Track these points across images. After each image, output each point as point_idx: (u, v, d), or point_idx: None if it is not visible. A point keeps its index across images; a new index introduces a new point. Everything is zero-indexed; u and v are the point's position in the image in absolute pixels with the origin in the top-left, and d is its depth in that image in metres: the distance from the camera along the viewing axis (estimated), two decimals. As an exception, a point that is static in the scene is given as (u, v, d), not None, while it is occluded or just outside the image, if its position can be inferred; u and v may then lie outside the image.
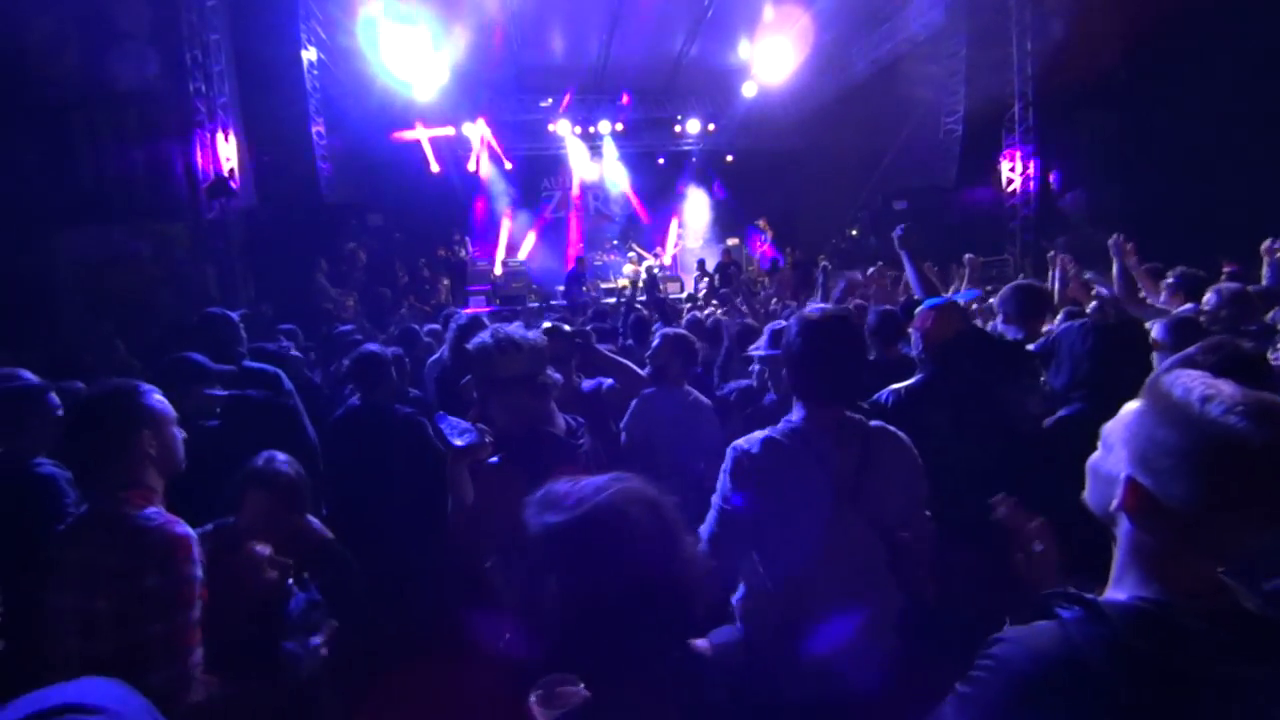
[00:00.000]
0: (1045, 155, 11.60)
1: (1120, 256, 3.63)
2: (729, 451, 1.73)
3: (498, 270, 14.06)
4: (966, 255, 5.00)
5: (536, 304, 11.67)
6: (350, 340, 4.90)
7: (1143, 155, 9.28)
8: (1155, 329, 2.48)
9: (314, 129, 10.14)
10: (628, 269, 14.14)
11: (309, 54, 10.05)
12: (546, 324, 2.77)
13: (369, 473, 2.73)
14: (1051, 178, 11.51)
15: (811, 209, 15.03)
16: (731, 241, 13.97)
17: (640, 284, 12.78)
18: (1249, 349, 1.72)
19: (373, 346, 3.11)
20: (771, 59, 13.47)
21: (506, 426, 1.91)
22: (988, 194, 12.07)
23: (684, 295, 12.17)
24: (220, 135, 9.07)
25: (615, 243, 15.69)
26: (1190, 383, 0.81)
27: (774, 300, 6.93)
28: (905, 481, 1.70)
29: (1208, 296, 3.98)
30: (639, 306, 5.04)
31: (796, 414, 1.73)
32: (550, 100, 15.32)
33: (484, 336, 1.95)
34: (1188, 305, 3.52)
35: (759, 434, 1.72)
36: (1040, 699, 0.79)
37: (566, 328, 2.87)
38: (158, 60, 8.39)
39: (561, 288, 12.82)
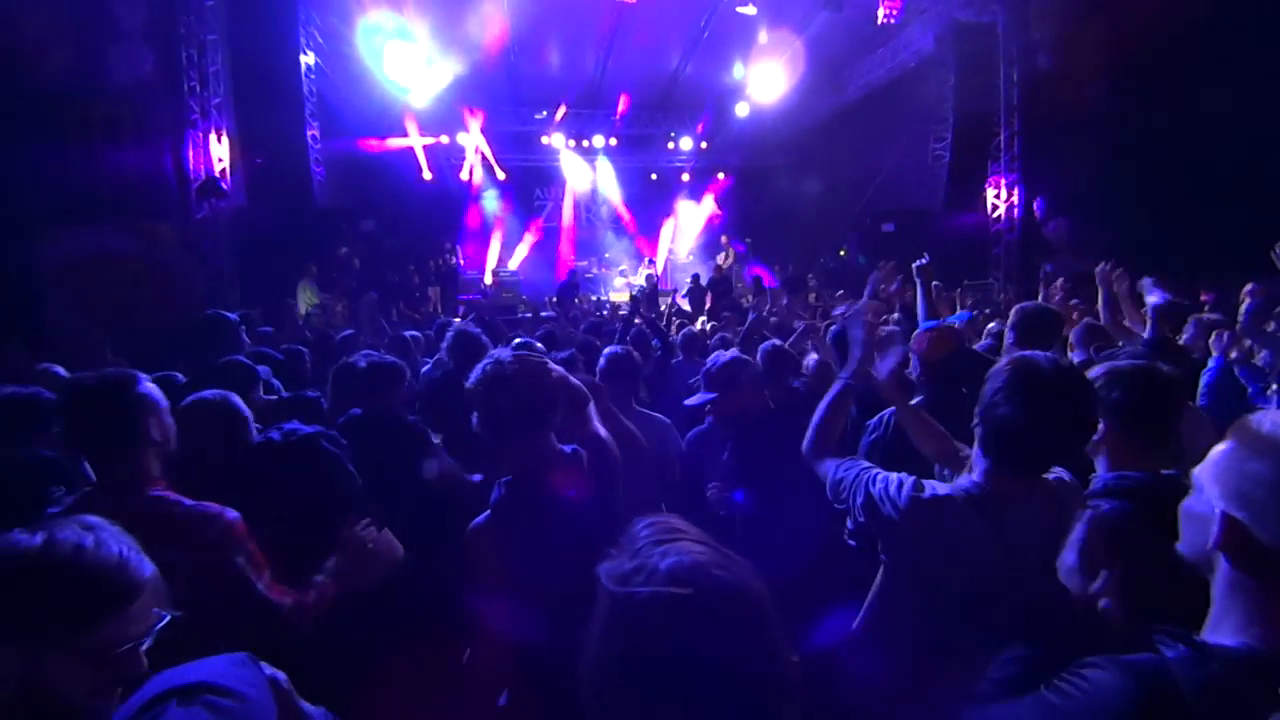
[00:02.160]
0: (1030, 182, 11.88)
1: (1106, 284, 3.72)
2: (892, 497, 1.56)
3: (488, 279, 14.05)
4: (934, 283, 5.04)
5: (529, 314, 11.65)
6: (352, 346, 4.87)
7: (1126, 184, 9.54)
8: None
9: (309, 133, 10.10)
10: (618, 282, 14.18)
11: (307, 58, 10.03)
12: (517, 339, 2.57)
13: (370, 483, 2.68)
14: (1035, 205, 11.78)
15: (801, 228, 15.22)
16: (721, 258, 14.07)
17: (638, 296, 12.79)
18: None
19: (375, 354, 3.06)
20: (765, 80, 13.69)
21: (510, 472, 1.75)
22: (973, 219, 12.31)
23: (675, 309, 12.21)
24: (213, 136, 9.01)
25: (607, 255, 15.75)
26: (1277, 418, 0.84)
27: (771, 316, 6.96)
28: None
29: (1187, 327, 4.11)
30: (638, 321, 5.04)
31: (979, 471, 1.53)
32: (545, 113, 15.42)
33: (494, 358, 1.74)
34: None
35: (939, 488, 1.55)
36: None
37: (539, 347, 2.71)
38: (153, 59, 8.32)
39: (553, 298, 12.82)
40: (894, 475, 1.59)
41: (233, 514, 1.63)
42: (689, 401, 3.09)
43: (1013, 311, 3.09)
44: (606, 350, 3.06)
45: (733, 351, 2.40)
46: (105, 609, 0.91)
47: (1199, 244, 7.75)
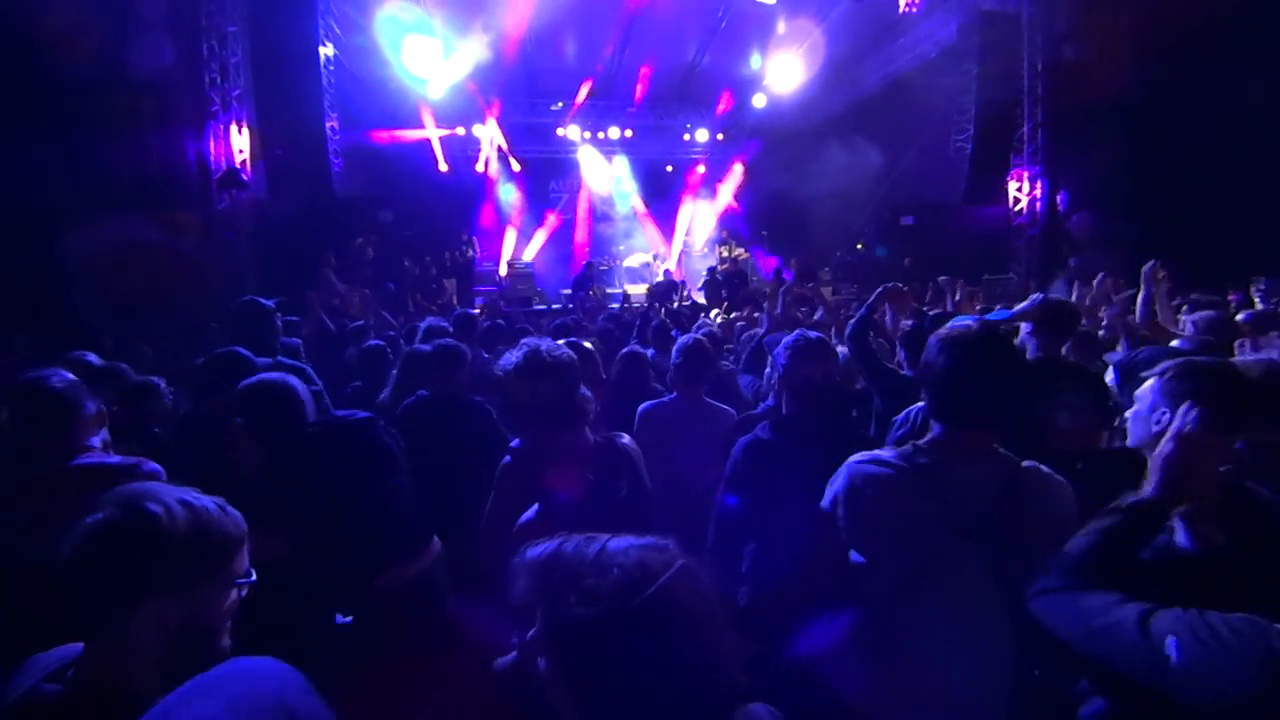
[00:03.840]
0: (1053, 176, 11.68)
1: (1150, 284, 3.61)
2: (842, 472, 1.60)
3: (503, 271, 14.08)
4: (941, 277, 5.01)
5: (545, 306, 11.68)
6: (363, 336, 4.91)
7: (1151, 179, 9.35)
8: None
9: (328, 124, 10.15)
10: (634, 260, 14.18)
11: (326, 50, 10.07)
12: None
13: (440, 461, 2.73)
14: (1059, 198, 11.58)
15: (818, 221, 15.08)
16: (739, 252, 13.99)
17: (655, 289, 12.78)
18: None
19: (448, 341, 3.19)
20: (782, 71, 13.56)
21: (537, 465, 1.72)
22: (995, 212, 12.13)
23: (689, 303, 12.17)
24: (234, 127, 9.08)
25: (621, 248, 15.71)
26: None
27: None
28: (1053, 532, 1.44)
29: (1185, 327, 3.97)
30: (658, 314, 5.04)
31: (929, 436, 1.59)
32: (561, 104, 15.38)
33: (511, 355, 1.73)
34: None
35: (878, 452, 1.59)
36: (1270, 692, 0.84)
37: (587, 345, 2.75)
38: (174, 50, 8.39)
39: (567, 291, 12.83)
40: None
41: (152, 465, 1.86)
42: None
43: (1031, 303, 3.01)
44: (679, 342, 3.09)
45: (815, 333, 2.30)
46: (235, 546, 1.12)
47: (1228, 240, 7.58)
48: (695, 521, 2.29)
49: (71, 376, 2.05)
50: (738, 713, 0.79)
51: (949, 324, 1.67)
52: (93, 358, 3.25)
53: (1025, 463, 1.56)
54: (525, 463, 1.78)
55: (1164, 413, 1.46)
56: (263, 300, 3.41)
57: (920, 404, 2.48)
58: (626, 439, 2.03)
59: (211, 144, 8.96)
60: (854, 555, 1.61)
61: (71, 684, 1.02)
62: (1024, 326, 2.93)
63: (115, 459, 2.09)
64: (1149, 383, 1.56)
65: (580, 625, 0.74)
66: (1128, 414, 1.60)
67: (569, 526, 1.62)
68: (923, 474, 1.51)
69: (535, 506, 1.71)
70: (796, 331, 2.29)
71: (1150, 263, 3.59)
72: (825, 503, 1.63)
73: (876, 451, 1.60)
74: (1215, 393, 1.37)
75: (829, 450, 1.96)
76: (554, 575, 0.79)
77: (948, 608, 1.44)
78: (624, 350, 3.64)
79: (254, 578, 1.15)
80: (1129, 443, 1.58)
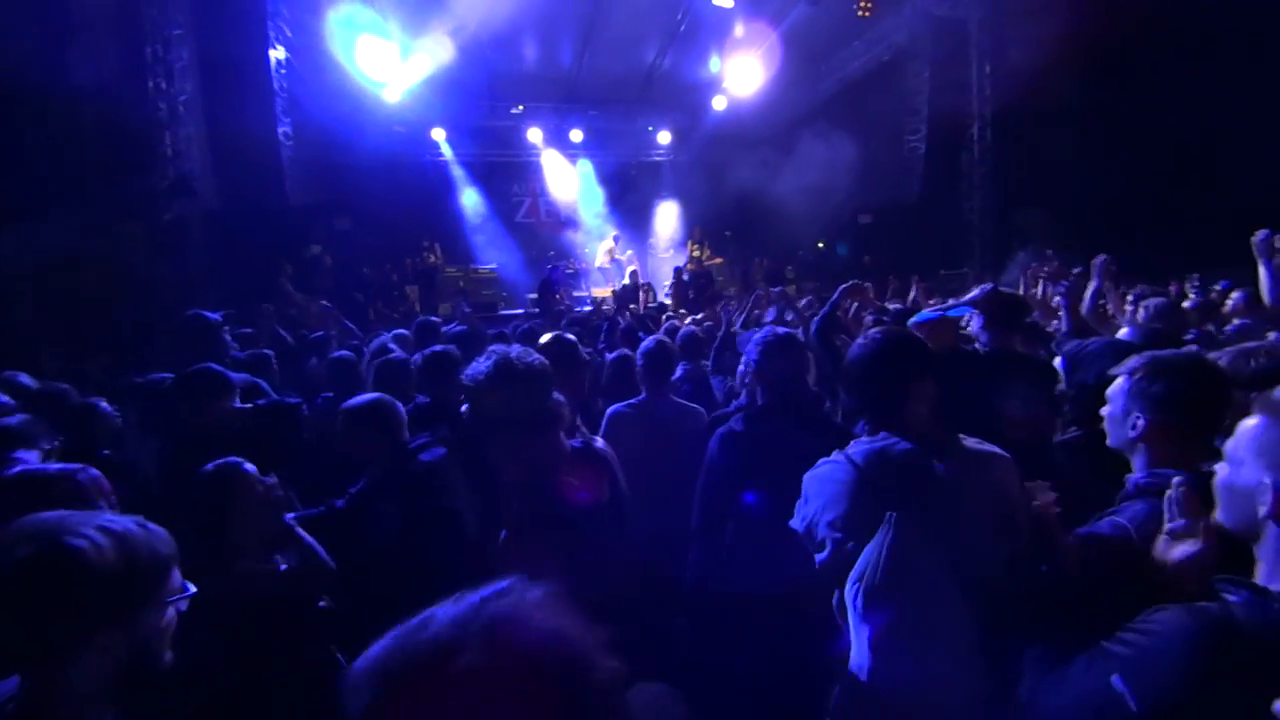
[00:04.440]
0: (1003, 174, 12.09)
1: (1101, 277, 3.77)
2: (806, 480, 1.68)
3: (467, 277, 13.90)
4: (890, 276, 5.15)
5: (521, 311, 11.57)
6: (325, 347, 4.80)
7: (1096, 175, 9.76)
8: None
9: (280, 129, 9.89)
10: (601, 254, 14.23)
11: (276, 53, 9.81)
12: (545, 337, 2.63)
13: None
14: (1008, 196, 11.99)
15: (780, 221, 15.30)
16: (706, 253, 14.10)
17: (620, 293, 12.79)
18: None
19: (440, 346, 3.15)
20: (741, 73, 13.71)
21: (511, 483, 1.70)
22: (949, 210, 12.50)
23: (655, 304, 12.22)
24: (181, 133, 8.77)
25: (587, 250, 15.67)
26: None
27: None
28: (991, 500, 1.53)
29: (1138, 312, 4.17)
30: (625, 317, 5.05)
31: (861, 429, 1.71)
32: (522, 107, 15.28)
33: (480, 364, 1.68)
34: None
35: (835, 455, 1.67)
36: (1204, 667, 0.84)
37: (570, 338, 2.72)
38: (116, 54, 8.07)
39: (533, 295, 12.75)
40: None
41: (91, 471, 1.82)
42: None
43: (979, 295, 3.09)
44: (642, 346, 3.13)
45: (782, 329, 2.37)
46: (166, 566, 1.10)
47: (1168, 235, 7.96)
48: (667, 520, 2.37)
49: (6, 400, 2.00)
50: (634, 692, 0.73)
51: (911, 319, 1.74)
52: (26, 379, 3.10)
53: (962, 438, 1.64)
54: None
55: (1138, 417, 1.47)
56: (208, 314, 3.32)
57: None
58: (601, 442, 2.06)
59: (158, 151, 8.63)
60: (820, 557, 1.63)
61: (6, 718, 0.99)
62: (975, 320, 3.01)
63: (52, 466, 2.03)
64: (1118, 382, 1.56)
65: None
66: (1104, 412, 1.61)
67: (552, 530, 1.68)
68: (849, 461, 1.61)
69: (511, 526, 1.71)
70: (766, 328, 2.36)
71: (1101, 256, 3.73)
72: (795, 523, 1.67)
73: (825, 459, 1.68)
74: (1188, 396, 1.38)
75: (803, 440, 2.05)
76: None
77: (905, 592, 1.46)
78: (614, 354, 3.72)
79: (192, 591, 1.13)
80: (1108, 442, 1.60)
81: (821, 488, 1.61)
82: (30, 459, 2.02)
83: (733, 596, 2.02)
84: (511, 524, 1.70)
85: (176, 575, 1.12)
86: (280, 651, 1.77)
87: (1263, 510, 0.91)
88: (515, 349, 1.75)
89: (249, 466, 1.95)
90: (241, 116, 9.19)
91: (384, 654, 0.59)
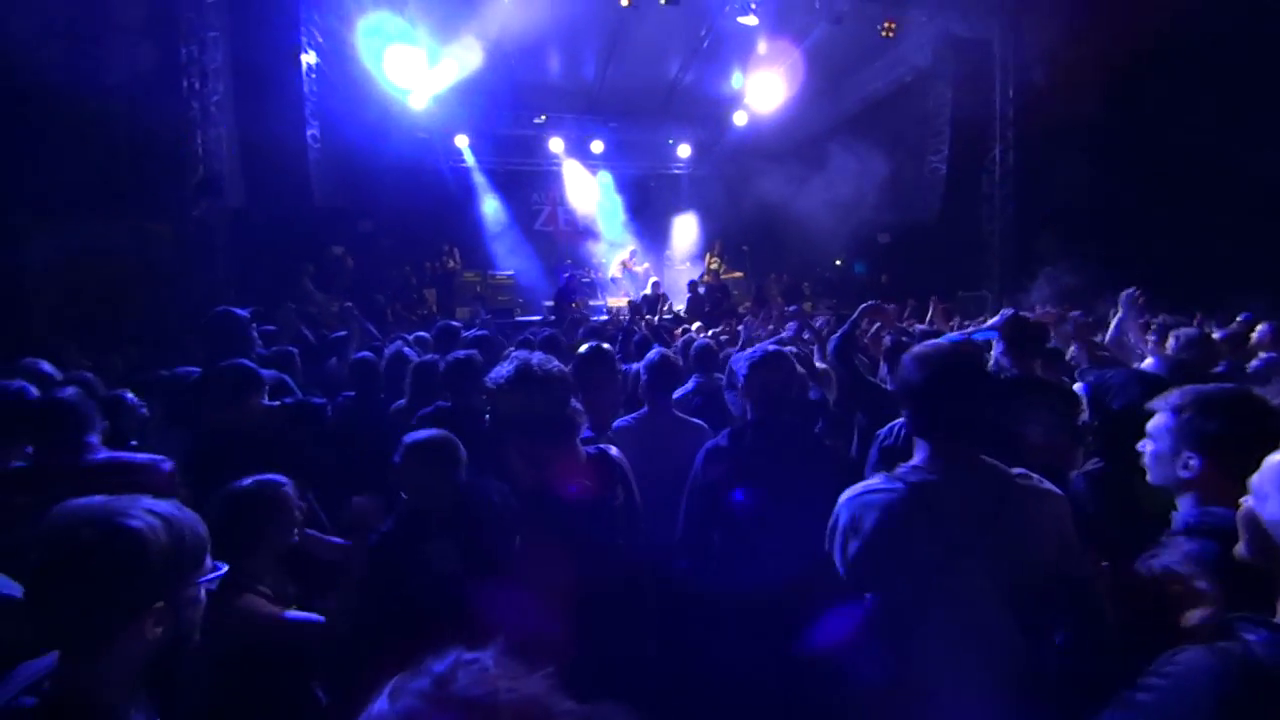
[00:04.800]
0: (1024, 197, 12.01)
1: (1129, 310, 3.73)
2: (842, 507, 1.60)
3: (485, 282, 14.01)
4: (910, 300, 5.13)
5: (538, 317, 11.64)
6: (346, 346, 4.86)
7: (1119, 197, 9.67)
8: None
9: (308, 132, 10.06)
10: (614, 268, 14.28)
11: (308, 57, 10.00)
12: (584, 346, 2.66)
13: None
14: (1029, 217, 11.91)
15: (797, 237, 15.29)
16: (723, 266, 14.12)
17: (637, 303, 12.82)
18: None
19: (463, 352, 3.16)
20: (763, 90, 13.78)
21: (525, 484, 1.75)
22: (969, 231, 12.43)
23: (670, 316, 12.22)
24: (212, 134, 8.95)
25: (604, 259, 15.75)
26: None
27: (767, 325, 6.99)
28: (1052, 540, 1.50)
29: (1168, 343, 4.13)
30: (640, 328, 5.05)
31: (917, 456, 1.60)
32: (544, 117, 15.44)
33: (502, 368, 1.74)
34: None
35: (867, 481, 1.60)
36: (1224, 708, 0.83)
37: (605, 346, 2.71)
38: (152, 55, 8.27)
39: (550, 302, 12.81)
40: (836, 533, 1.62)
41: (169, 464, 2.08)
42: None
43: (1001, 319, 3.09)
44: (646, 358, 3.07)
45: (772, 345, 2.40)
46: (204, 547, 1.14)
47: (1192, 260, 7.86)
48: (666, 535, 2.38)
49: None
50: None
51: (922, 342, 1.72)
52: (48, 366, 3.16)
53: (1015, 471, 1.57)
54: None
55: (1191, 457, 1.41)
56: (237, 310, 3.37)
57: (903, 419, 2.53)
58: (616, 451, 2.10)
59: (190, 151, 8.81)
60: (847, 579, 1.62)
61: (45, 698, 1.02)
62: (996, 346, 3.01)
63: (139, 456, 2.22)
64: (1161, 418, 1.51)
65: None
66: (1145, 449, 1.55)
67: (561, 533, 1.70)
68: (922, 492, 1.50)
69: (524, 532, 1.75)
70: (757, 346, 2.41)
71: (1130, 290, 3.70)
72: (827, 545, 1.63)
73: (867, 482, 1.60)
74: (1244, 435, 1.31)
75: (789, 456, 2.10)
76: None
77: (959, 622, 1.45)
78: (638, 365, 3.69)
79: (223, 570, 1.17)
80: (1149, 479, 1.55)
81: (868, 513, 1.55)
82: (95, 443, 2.11)
83: (718, 604, 2.04)
84: (523, 527, 1.73)
85: (209, 557, 1.16)
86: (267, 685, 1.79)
87: None
88: (536, 355, 1.79)
89: (288, 485, 1.97)
90: (271, 119, 9.37)
91: None
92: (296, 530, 2.00)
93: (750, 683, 1.93)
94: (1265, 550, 0.94)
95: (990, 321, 3.03)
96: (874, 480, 1.59)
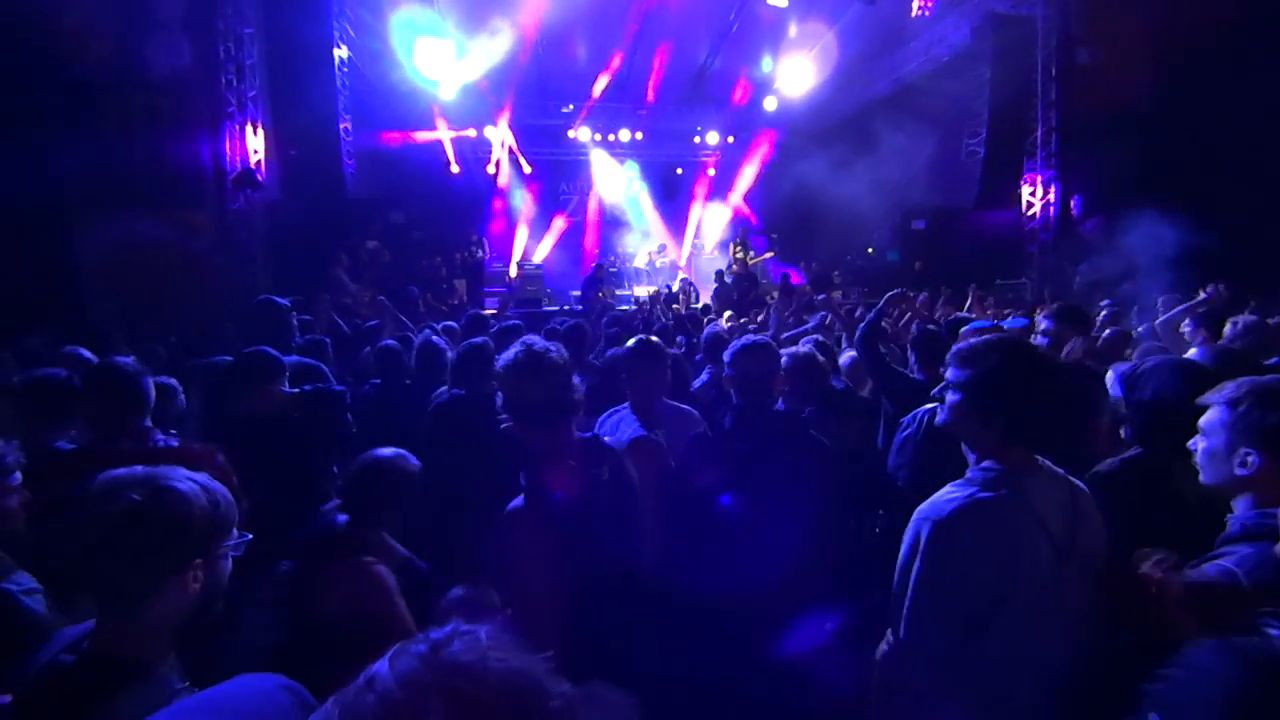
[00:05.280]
0: (1067, 181, 11.57)
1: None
2: (920, 524, 1.49)
3: (513, 272, 14.12)
4: (944, 288, 5.00)
5: (554, 307, 11.71)
6: (378, 335, 4.95)
7: (1165, 184, 9.24)
8: None
9: (341, 125, 10.24)
10: (643, 254, 14.26)
11: (340, 52, 10.16)
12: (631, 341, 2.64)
13: (471, 461, 2.71)
14: (1073, 203, 11.48)
15: (829, 224, 15.03)
16: (749, 255, 13.95)
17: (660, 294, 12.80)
18: None
19: (478, 339, 3.19)
20: (794, 74, 13.54)
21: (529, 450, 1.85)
22: (1007, 217, 12.04)
23: (699, 306, 12.17)
24: (249, 128, 9.17)
25: (632, 250, 15.73)
26: None
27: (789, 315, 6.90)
28: (1102, 532, 1.52)
29: (1225, 329, 3.96)
30: (663, 317, 5.03)
31: (990, 460, 1.51)
32: (572, 106, 15.43)
33: (508, 353, 1.84)
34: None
35: (954, 495, 1.48)
36: (1243, 704, 0.81)
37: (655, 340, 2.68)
38: (191, 50, 8.49)
39: (577, 292, 12.86)
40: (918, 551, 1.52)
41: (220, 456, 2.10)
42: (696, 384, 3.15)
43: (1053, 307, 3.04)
44: (626, 348, 3.01)
45: (762, 337, 2.38)
46: (234, 514, 1.20)
47: (1242, 247, 7.48)
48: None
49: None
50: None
51: (1000, 333, 1.64)
52: (87, 353, 3.27)
53: (1061, 470, 1.55)
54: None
55: (1249, 454, 1.35)
56: (278, 299, 3.44)
57: (928, 406, 2.47)
58: (611, 438, 2.21)
59: (226, 144, 9.05)
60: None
61: (84, 655, 1.09)
62: (1044, 321, 2.95)
63: (195, 445, 2.28)
64: (1214, 412, 1.43)
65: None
66: (1196, 445, 1.48)
67: (555, 510, 1.75)
68: (1018, 498, 1.44)
69: (522, 497, 1.83)
70: (748, 335, 2.41)
71: (1215, 283, 3.55)
72: (903, 558, 1.54)
73: (948, 490, 1.50)
74: None
75: (773, 445, 2.08)
76: None
77: (1047, 627, 1.43)
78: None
79: (248, 538, 1.23)
80: (1203, 479, 1.48)
81: (964, 522, 1.46)
82: (150, 426, 2.17)
83: (702, 597, 2.01)
84: (517, 508, 1.82)
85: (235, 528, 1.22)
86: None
87: None
88: (539, 340, 1.87)
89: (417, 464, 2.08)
90: (305, 112, 9.56)
91: None
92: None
93: (727, 680, 1.92)
94: None
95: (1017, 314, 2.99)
96: (956, 492, 1.48)
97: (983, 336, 1.60)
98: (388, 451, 2.05)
